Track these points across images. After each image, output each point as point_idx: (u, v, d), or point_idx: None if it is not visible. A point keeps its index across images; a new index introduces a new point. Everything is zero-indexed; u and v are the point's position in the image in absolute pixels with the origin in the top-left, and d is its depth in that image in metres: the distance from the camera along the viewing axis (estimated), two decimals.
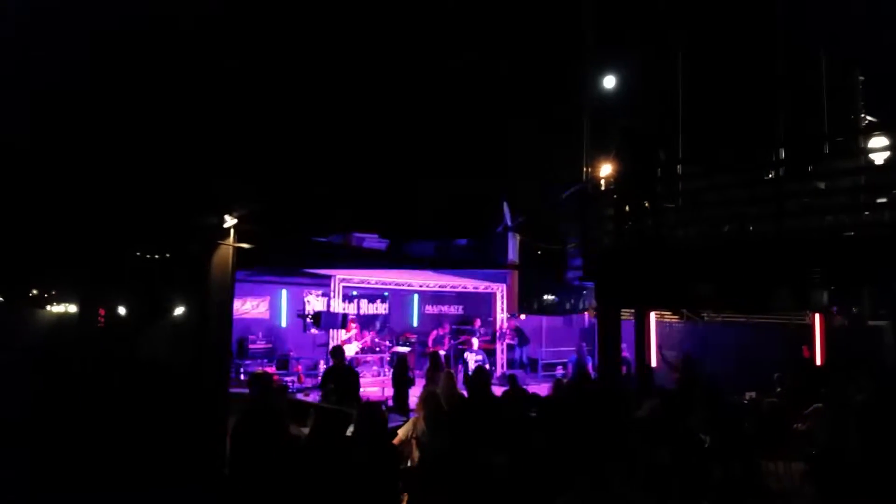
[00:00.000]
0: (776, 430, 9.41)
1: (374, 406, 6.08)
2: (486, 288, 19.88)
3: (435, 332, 18.63)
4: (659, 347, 13.50)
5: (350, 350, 16.98)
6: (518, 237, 20.97)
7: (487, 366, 17.69)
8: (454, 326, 19.68)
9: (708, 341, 15.42)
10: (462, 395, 8.26)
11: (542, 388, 12.92)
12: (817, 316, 12.72)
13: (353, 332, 17.20)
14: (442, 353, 16.29)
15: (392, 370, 13.70)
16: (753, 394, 11.33)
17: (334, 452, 5.57)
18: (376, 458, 5.50)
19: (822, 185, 8.98)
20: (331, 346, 12.47)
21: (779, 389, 11.53)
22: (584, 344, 17.12)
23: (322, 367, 14.54)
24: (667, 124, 13.75)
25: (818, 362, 12.75)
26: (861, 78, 13.47)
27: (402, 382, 12.02)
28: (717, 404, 9.23)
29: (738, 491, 8.72)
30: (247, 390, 6.24)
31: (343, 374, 10.24)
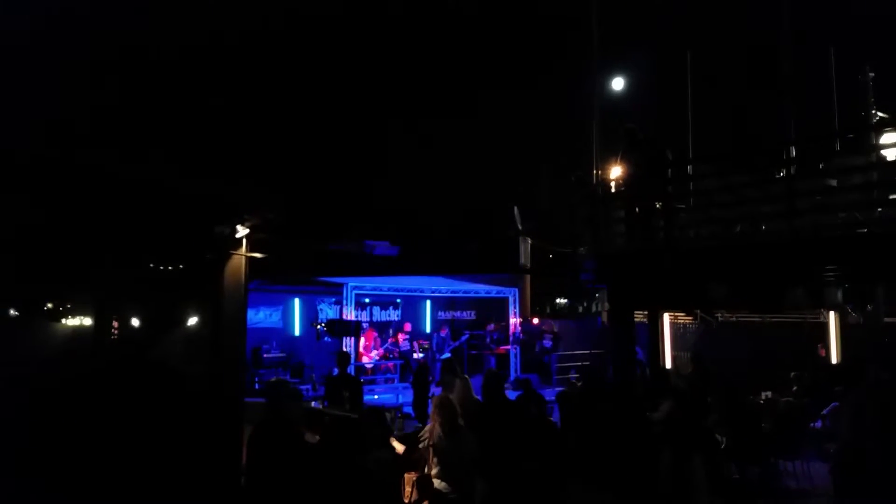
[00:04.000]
0: (793, 429, 9.36)
1: (379, 411, 6.13)
2: (498, 293, 19.88)
3: (436, 336, 18.67)
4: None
5: (367, 359, 17.06)
6: (529, 241, 20.94)
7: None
8: (468, 332, 19.72)
9: (722, 342, 15.35)
10: (477, 400, 8.25)
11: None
12: (832, 314, 12.65)
13: (369, 341, 17.29)
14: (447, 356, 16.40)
15: (412, 376, 13.74)
16: (769, 393, 11.27)
17: (346, 458, 5.61)
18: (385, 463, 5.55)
19: (833, 183, 8.93)
20: (338, 354, 12.53)
21: (795, 389, 11.47)
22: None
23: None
24: (676, 123, 13.73)
25: (834, 360, 12.67)
26: (871, 74, 13.41)
27: (422, 388, 12.04)
28: (733, 404, 9.19)
29: (755, 491, 8.68)
30: (262, 399, 6.26)
31: (349, 381, 10.34)
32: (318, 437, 6.36)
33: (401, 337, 18.23)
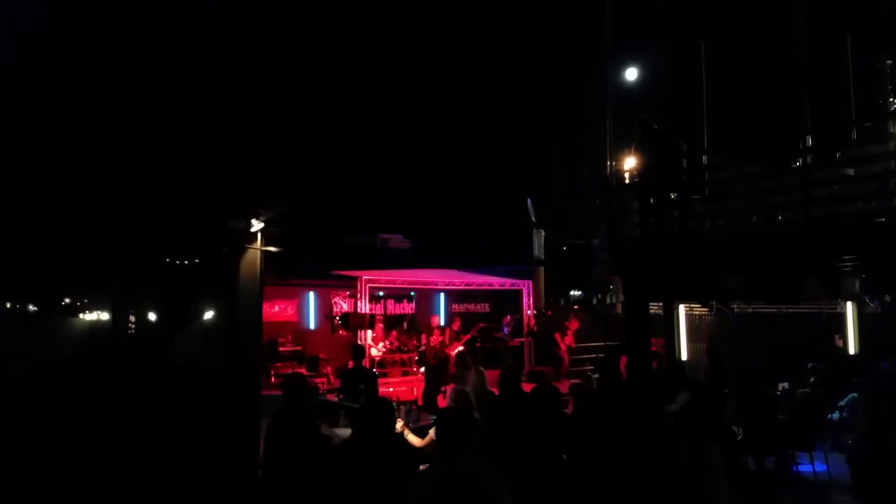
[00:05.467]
0: (810, 420, 9.32)
1: (387, 403, 6.16)
2: (512, 285, 19.87)
3: (448, 331, 18.70)
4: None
5: (376, 351, 17.09)
6: (543, 233, 20.91)
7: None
8: (482, 325, 19.73)
9: (738, 333, 15.28)
10: (492, 392, 8.27)
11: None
12: (849, 304, 12.54)
13: (377, 333, 17.33)
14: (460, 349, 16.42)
15: (424, 369, 13.78)
16: (786, 384, 11.23)
17: (374, 451, 5.64)
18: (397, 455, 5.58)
19: (850, 172, 8.86)
20: (353, 347, 12.55)
21: (812, 379, 11.41)
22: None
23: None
24: (691, 114, 13.64)
25: (851, 351, 12.58)
26: (889, 62, 13.26)
27: (435, 381, 12.07)
28: (749, 396, 9.16)
29: (772, 482, 8.66)
30: (278, 392, 6.30)
31: (365, 374, 10.41)
32: (338, 430, 6.40)
33: (393, 335, 18.22)
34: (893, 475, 6.43)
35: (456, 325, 18.81)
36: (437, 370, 12.37)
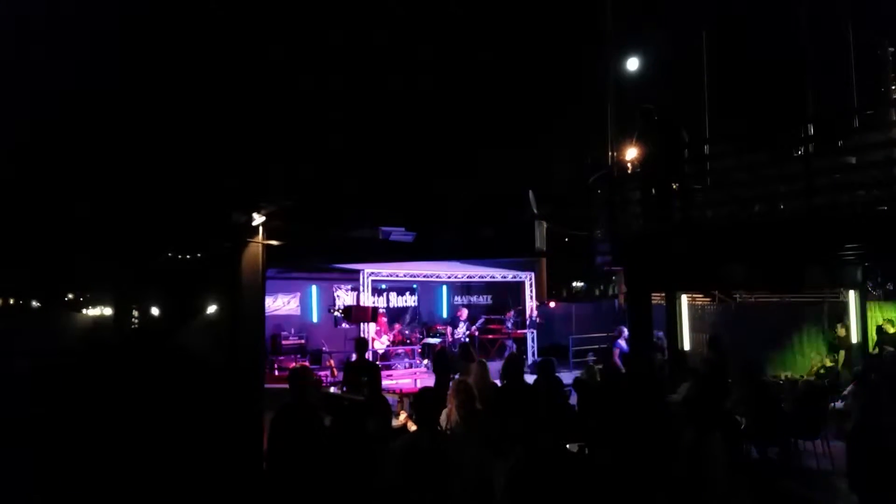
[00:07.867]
0: (813, 409, 9.31)
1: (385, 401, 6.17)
2: (514, 277, 19.88)
3: (457, 320, 18.72)
4: None
5: (380, 344, 17.11)
6: (545, 224, 20.86)
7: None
8: (484, 317, 19.75)
9: (741, 322, 15.26)
10: (495, 384, 8.27)
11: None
12: (852, 293, 12.53)
13: (380, 326, 17.36)
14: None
15: (432, 362, 13.78)
16: (789, 373, 11.23)
17: (356, 444, 5.66)
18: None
19: (853, 160, 8.83)
20: (357, 340, 12.61)
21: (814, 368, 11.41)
22: (622, 328, 16.84)
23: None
24: (692, 104, 13.60)
25: (854, 340, 12.57)
26: (891, 49, 13.19)
27: (443, 373, 12.05)
28: (752, 385, 9.16)
29: (775, 471, 8.66)
30: (281, 385, 6.31)
31: (367, 367, 10.39)
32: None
33: (396, 328, 18.23)
34: (888, 464, 6.43)
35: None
36: (442, 363, 12.37)
